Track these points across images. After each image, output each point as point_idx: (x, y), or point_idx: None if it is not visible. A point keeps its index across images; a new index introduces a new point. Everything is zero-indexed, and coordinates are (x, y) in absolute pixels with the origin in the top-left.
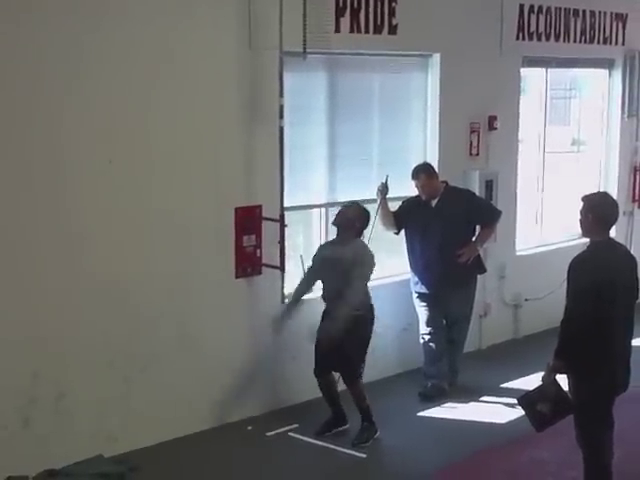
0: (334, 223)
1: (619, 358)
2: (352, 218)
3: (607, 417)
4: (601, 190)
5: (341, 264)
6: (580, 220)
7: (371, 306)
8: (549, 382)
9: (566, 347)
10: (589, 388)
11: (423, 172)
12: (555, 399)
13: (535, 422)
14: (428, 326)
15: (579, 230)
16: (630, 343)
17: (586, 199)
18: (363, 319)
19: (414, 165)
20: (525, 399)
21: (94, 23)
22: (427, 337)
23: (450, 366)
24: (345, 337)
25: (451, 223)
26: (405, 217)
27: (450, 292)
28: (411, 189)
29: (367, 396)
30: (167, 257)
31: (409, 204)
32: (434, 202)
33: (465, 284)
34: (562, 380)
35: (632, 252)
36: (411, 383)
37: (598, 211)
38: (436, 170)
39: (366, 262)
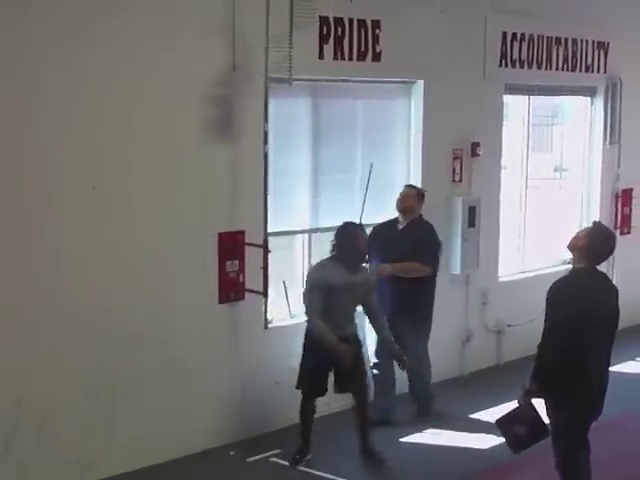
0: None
1: (596, 385)
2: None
3: (584, 442)
4: (593, 221)
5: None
6: (575, 239)
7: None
8: (525, 405)
9: (542, 372)
10: (565, 413)
11: (415, 189)
12: (531, 422)
13: (512, 444)
14: (377, 357)
15: (561, 256)
16: (607, 370)
17: (596, 226)
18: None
19: (397, 191)
20: (502, 421)
21: (78, 46)
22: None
23: (417, 395)
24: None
25: (407, 251)
26: (374, 240)
27: (401, 323)
28: (393, 215)
29: None
30: (150, 282)
31: (380, 227)
32: (401, 226)
33: (416, 315)
34: (539, 404)
35: (615, 278)
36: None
37: (596, 244)
38: (424, 200)
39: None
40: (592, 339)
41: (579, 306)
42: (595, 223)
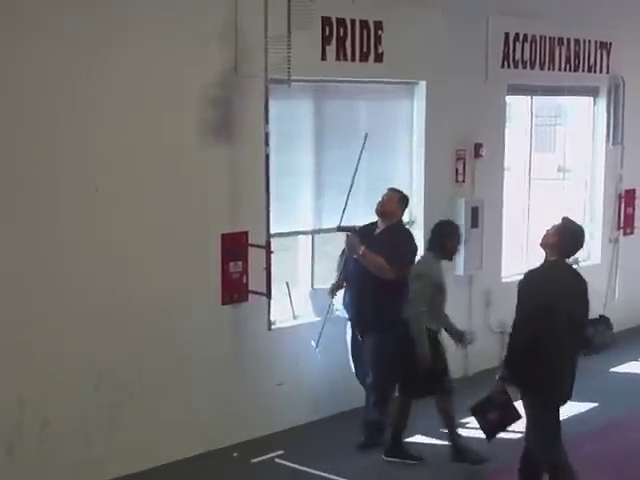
0: None
1: (559, 371)
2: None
3: (559, 430)
4: (583, 219)
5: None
6: (545, 237)
7: None
8: (498, 391)
9: (512, 359)
10: (536, 399)
11: (398, 194)
12: (503, 406)
13: (485, 430)
14: (353, 361)
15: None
16: (575, 357)
17: (565, 222)
18: None
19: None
20: (476, 408)
21: (79, 49)
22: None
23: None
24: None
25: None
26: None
27: (363, 332)
28: None
29: None
30: (153, 284)
31: (360, 230)
32: (378, 230)
33: (376, 328)
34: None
35: (618, 279)
36: None
37: (565, 241)
38: (407, 205)
39: None
40: (557, 328)
41: (547, 296)
42: (564, 219)
